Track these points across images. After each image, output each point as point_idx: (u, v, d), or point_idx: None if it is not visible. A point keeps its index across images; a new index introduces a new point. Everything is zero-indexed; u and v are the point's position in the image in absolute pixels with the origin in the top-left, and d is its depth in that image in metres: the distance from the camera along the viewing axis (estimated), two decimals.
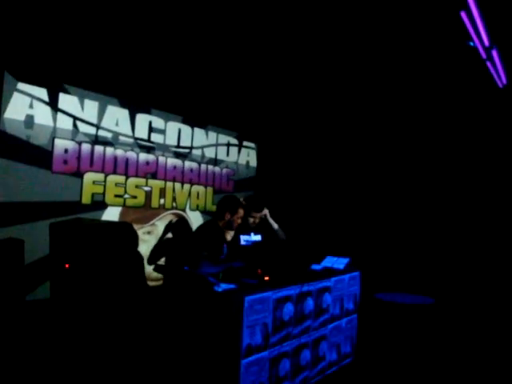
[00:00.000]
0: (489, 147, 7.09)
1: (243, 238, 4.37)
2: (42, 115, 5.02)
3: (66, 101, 5.22)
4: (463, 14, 4.40)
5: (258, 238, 4.51)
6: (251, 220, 4.53)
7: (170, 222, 5.18)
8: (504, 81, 5.97)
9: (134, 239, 4.61)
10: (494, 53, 5.20)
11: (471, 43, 4.95)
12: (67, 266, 3.35)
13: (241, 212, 4.29)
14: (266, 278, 3.57)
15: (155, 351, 3.71)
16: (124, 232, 3.65)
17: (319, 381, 4.01)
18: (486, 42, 4.93)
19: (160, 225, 6.18)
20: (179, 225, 4.86)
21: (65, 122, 5.21)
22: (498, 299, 6.35)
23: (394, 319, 5.60)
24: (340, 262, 4.56)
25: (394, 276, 7.20)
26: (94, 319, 3.51)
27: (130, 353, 3.80)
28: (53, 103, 5.10)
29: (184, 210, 6.65)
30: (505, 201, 6.89)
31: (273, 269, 3.87)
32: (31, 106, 4.93)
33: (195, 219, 6.80)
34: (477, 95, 6.74)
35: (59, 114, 5.15)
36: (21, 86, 4.82)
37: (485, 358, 4.87)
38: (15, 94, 4.78)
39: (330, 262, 4.60)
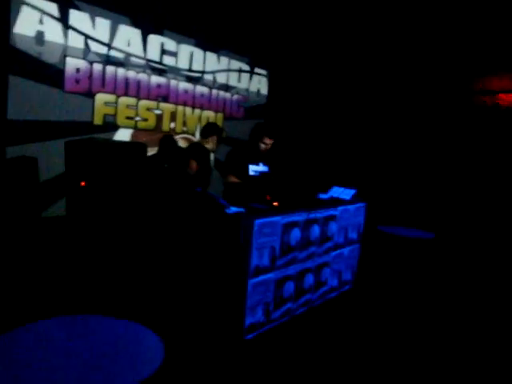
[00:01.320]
0: None
1: (252, 168, 4.39)
2: (53, 32, 4.92)
3: (77, 18, 5.10)
4: None
5: (265, 168, 4.55)
6: (263, 146, 4.49)
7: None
8: None
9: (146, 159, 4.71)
10: None
11: None
12: (83, 183, 3.44)
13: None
14: (275, 204, 3.66)
15: (167, 269, 3.88)
16: (138, 152, 3.70)
17: (320, 304, 4.22)
18: None
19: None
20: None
21: (76, 40, 5.13)
22: (496, 236, 6.49)
23: (394, 251, 5.77)
24: (346, 193, 4.63)
25: (398, 210, 7.33)
26: (109, 236, 3.65)
27: (143, 271, 3.97)
28: (63, 20, 4.98)
29: (194, 135, 6.68)
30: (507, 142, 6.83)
31: (281, 196, 3.96)
32: (41, 22, 4.82)
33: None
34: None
35: (70, 32, 5.05)
36: None
37: (480, 293, 5.06)
38: (24, 8, 4.66)
39: (336, 192, 4.67)
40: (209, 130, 4.69)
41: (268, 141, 4.50)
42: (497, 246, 6.33)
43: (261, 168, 4.50)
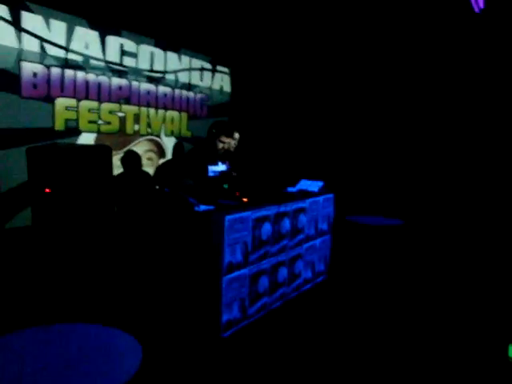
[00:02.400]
0: (464, 74, 7.12)
1: (211, 169, 4.28)
2: (5, 35, 4.77)
3: (31, 20, 4.96)
4: None
5: (223, 167, 4.45)
6: (220, 145, 4.35)
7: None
8: (481, 5, 5.90)
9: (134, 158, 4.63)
10: None
11: None
12: (48, 190, 3.36)
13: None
14: (245, 200, 3.67)
15: (140, 271, 3.84)
16: (103, 155, 3.64)
17: (295, 296, 4.25)
18: None
19: (136, 151, 6.15)
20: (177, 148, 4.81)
21: (31, 44, 4.98)
22: (462, 221, 6.68)
23: (364, 240, 5.87)
24: (314, 185, 4.68)
25: (365, 199, 7.45)
26: (77, 242, 3.58)
27: (115, 274, 3.92)
28: (16, 23, 4.84)
29: (159, 136, 6.61)
30: (470, 130, 7.03)
31: (250, 191, 3.97)
32: None
33: (170, 145, 6.79)
34: (453, 20, 6.67)
35: (24, 35, 4.91)
36: None
37: (448, 277, 5.20)
38: None
39: (304, 185, 4.71)
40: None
41: (226, 139, 4.37)
42: (463, 230, 6.51)
43: (220, 168, 4.41)
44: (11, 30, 4.81)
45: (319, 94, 8.32)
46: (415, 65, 7.45)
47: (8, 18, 4.77)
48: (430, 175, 7.27)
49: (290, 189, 4.56)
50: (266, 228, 3.61)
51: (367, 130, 8.01)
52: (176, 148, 5.13)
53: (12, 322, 3.02)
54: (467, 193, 6.81)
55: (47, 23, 5.10)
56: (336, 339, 3.45)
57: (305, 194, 4.39)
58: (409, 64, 7.51)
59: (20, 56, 4.89)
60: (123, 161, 4.75)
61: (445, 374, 3.00)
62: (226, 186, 4.22)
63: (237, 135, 4.54)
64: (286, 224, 3.93)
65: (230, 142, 4.43)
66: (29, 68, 4.97)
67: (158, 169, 4.37)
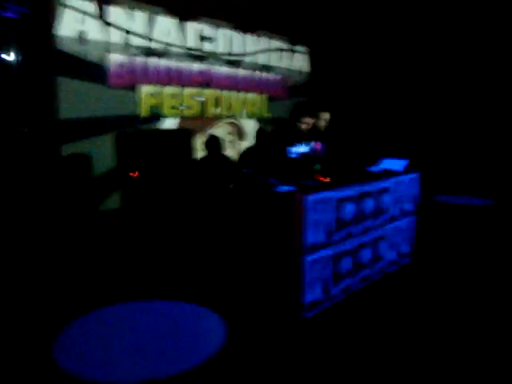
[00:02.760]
0: None
1: (292, 150, 4.22)
2: (94, 30, 5.02)
3: (116, 14, 5.18)
4: None
5: (306, 148, 4.35)
6: (303, 126, 4.28)
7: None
8: None
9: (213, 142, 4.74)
10: None
11: None
12: (136, 174, 3.51)
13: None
14: (327, 180, 3.61)
15: (226, 252, 3.92)
16: (184, 138, 3.73)
17: (379, 279, 4.14)
18: None
19: (218, 133, 6.26)
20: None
21: (117, 36, 5.20)
22: None
23: (453, 221, 5.58)
24: (399, 164, 4.51)
25: (453, 178, 7.06)
26: (166, 223, 3.72)
27: (200, 255, 4.04)
28: (103, 17, 5.07)
29: (239, 118, 6.68)
30: None
31: (332, 171, 3.90)
32: (82, 22, 4.92)
33: (250, 127, 6.84)
34: None
35: (111, 28, 5.14)
36: (71, 1, 4.79)
37: None
38: (66, 11, 4.78)
39: (388, 164, 4.56)
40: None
41: (309, 120, 4.29)
42: None
43: (302, 149, 4.35)
44: (99, 24, 5.05)
45: (400, 70, 7.96)
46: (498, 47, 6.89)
47: (96, 13, 5.01)
48: None
49: (374, 168, 4.43)
50: (349, 208, 3.54)
51: (455, 103, 7.56)
52: (258, 134, 5.13)
53: (112, 297, 3.21)
54: None
55: (130, 15, 5.29)
56: (419, 325, 3.32)
57: (389, 173, 4.25)
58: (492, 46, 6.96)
59: (107, 48, 5.13)
60: (206, 145, 4.86)
61: None
62: (318, 166, 4.15)
63: (327, 115, 4.47)
64: (370, 204, 3.82)
65: (319, 121, 4.38)
66: (116, 59, 5.19)
67: (242, 155, 4.40)
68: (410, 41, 7.75)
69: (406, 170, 4.48)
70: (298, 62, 7.63)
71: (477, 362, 2.80)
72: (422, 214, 4.88)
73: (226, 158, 5.00)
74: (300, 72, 7.68)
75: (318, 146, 4.39)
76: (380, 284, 4.08)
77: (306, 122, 4.29)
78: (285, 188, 3.35)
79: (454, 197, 6.17)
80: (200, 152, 5.03)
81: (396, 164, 4.52)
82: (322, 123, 4.46)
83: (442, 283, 4.13)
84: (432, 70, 7.72)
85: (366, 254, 3.90)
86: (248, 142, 6.77)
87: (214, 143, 4.86)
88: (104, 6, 5.07)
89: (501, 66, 7.02)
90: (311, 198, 3.13)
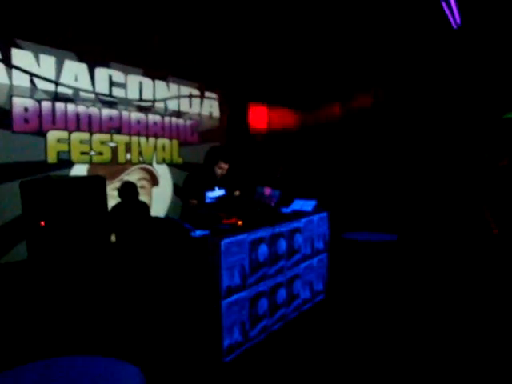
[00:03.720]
0: (443, 90, 7.24)
1: (208, 195, 4.33)
2: None
3: (20, 57, 5.03)
4: None
5: (222, 192, 4.49)
6: (218, 171, 4.41)
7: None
8: (458, 21, 6.05)
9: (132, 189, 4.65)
10: None
11: None
12: (43, 223, 3.36)
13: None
14: (239, 223, 3.69)
15: (138, 299, 3.82)
16: (97, 185, 3.66)
17: (295, 317, 4.24)
18: None
19: (131, 179, 6.18)
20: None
21: (21, 80, 5.04)
22: (456, 235, 6.72)
23: (360, 256, 5.88)
24: (308, 205, 4.71)
25: (359, 216, 7.49)
26: (74, 274, 3.57)
27: (113, 305, 3.90)
28: (6, 60, 4.91)
29: (151, 164, 6.65)
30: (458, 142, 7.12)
31: (244, 214, 3.99)
32: None
33: (162, 172, 6.83)
34: (431, 36, 6.81)
35: (14, 71, 4.98)
36: None
37: (446, 288, 5.23)
38: None
39: (298, 204, 4.75)
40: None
41: (224, 165, 4.42)
42: (456, 243, 6.55)
43: (217, 193, 4.45)
44: (2, 66, 4.87)
45: (309, 111, 8.43)
46: (403, 85, 7.59)
47: None
48: (423, 188, 7.34)
49: (284, 209, 4.59)
50: (263, 250, 3.63)
51: (357, 146, 8.10)
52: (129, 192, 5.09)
53: (11, 358, 2.99)
54: (460, 206, 6.87)
55: (37, 58, 5.17)
56: (337, 358, 3.44)
57: (299, 214, 4.42)
58: (396, 84, 7.65)
59: (11, 91, 4.94)
60: (120, 191, 4.77)
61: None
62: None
63: (226, 165, 4.56)
64: (282, 245, 3.95)
65: (227, 168, 4.46)
66: (20, 103, 5.02)
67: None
68: (313, 86, 8.25)
69: (315, 210, 4.69)
70: (209, 107, 7.81)
71: None
72: (333, 252, 5.10)
73: (142, 204, 4.93)
74: (210, 117, 7.85)
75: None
76: (296, 322, 4.18)
77: (222, 167, 4.40)
78: (199, 233, 3.39)
79: (361, 233, 6.51)
80: (113, 199, 4.93)
81: (305, 204, 4.72)
82: (223, 172, 4.51)
83: (353, 317, 4.31)
84: (334, 114, 8.25)
85: (282, 294, 3.99)
86: (161, 187, 6.76)
87: (128, 189, 4.79)
88: (8, 48, 4.91)
89: (401, 107, 7.67)
90: (225, 241, 3.18)
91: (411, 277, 5.63)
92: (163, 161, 6.87)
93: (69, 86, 5.50)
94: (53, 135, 5.32)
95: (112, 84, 6.05)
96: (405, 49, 7.24)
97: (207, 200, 4.29)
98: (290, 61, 7.96)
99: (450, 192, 7.02)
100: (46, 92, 5.27)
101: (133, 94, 6.36)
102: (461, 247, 6.35)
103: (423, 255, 6.49)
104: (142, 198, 6.31)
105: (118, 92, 6.13)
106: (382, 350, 3.56)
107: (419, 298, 4.85)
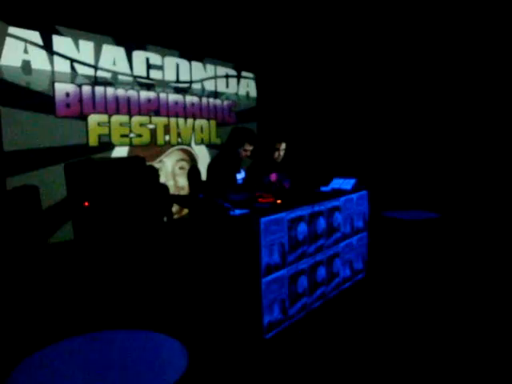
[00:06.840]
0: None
1: (238, 177, 4.30)
2: (39, 60, 4.96)
3: (61, 43, 5.14)
4: None
5: (243, 174, 4.42)
6: (243, 153, 4.26)
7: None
8: None
9: (151, 172, 4.66)
10: None
11: None
12: (87, 204, 3.46)
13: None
14: (278, 201, 3.68)
15: (183, 277, 3.90)
16: (137, 165, 3.73)
17: (335, 296, 4.23)
18: None
19: (167, 161, 6.27)
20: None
21: (62, 65, 5.16)
22: (499, 212, 6.50)
23: (401, 235, 5.79)
24: (347, 183, 4.65)
25: (400, 194, 7.34)
26: (119, 253, 3.67)
27: (157, 282, 4.00)
28: (47, 46, 5.02)
29: (189, 145, 6.72)
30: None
31: (283, 193, 3.98)
32: (26, 51, 4.86)
33: (201, 153, 6.88)
34: None
35: (56, 57, 5.09)
36: (12, 30, 4.73)
37: (490, 270, 5.08)
38: (7, 40, 4.70)
39: (337, 183, 4.69)
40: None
41: (249, 147, 4.27)
42: (500, 222, 6.34)
43: (242, 175, 4.40)
44: (44, 53, 4.99)
45: (345, 89, 8.26)
46: (450, 60, 7.32)
47: (40, 42, 4.95)
48: (468, 166, 7.11)
49: (324, 188, 4.55)
50: (302, 228, 3.61)
51: (398, 122, 7.90)
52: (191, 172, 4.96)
53: (61, 332, 3.11)
54: (505, 185, 6.63)
55: (76, 44, 5.27)
56: (376, 338, 3.41)
57: (338, 193, 4.38)
58: (444, 59, 7.38)
59: (53, 78, 5.07)
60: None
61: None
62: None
63: (283, 145, 4.55)
64: (322, 223, 3.92)
65: (276, 152, 4.45)
66: (62, 88, 5.14)
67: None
68: (354, 64, 8.07)
69: (355, 189, 4.63)
70: (245, 87, 7.78)
71: (437, 374, 2.90)
72: (373, 230, 5.04)
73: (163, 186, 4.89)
74: (247, 97, 7.83)
75: (273, 177, 4.46)
76: (336, 300, 4.16)
77: (247, 149, 4.27)
78: (238, 211, 3.40)
79: (402, 212, 6.39)
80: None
81: (345, 183, 4.66)
82: (280, 153, 4.54)
83: (394, 296, 4.27)
84: (375, 90, 8.05)
85: (321, 272, 3.98)
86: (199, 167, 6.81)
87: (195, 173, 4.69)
88: (49, 35, 5.03)
89: (445, 82, 7.42)
90: (265, 219, 3.19)
91: (454, 257, 5.50)
92: (201, 141, 6.93)
93: (107, 70, 5.60)
94: (93, 119, 5.44)
95: (149, 66, 6.11)
96: None
97: (238, 182, 4.27)
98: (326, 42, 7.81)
99: (498, 170, 6.77)
100: (85, 77, 5.38)
101: (170, 75, 6.41)
102: (506, 228, 6.15)
103: (467, 234, 6.31)
104: (181, 178, 6.41)
105: (155, 74, 6.19)
106: (423, 328, 3.51)
107: (462, 279, 4.74)
